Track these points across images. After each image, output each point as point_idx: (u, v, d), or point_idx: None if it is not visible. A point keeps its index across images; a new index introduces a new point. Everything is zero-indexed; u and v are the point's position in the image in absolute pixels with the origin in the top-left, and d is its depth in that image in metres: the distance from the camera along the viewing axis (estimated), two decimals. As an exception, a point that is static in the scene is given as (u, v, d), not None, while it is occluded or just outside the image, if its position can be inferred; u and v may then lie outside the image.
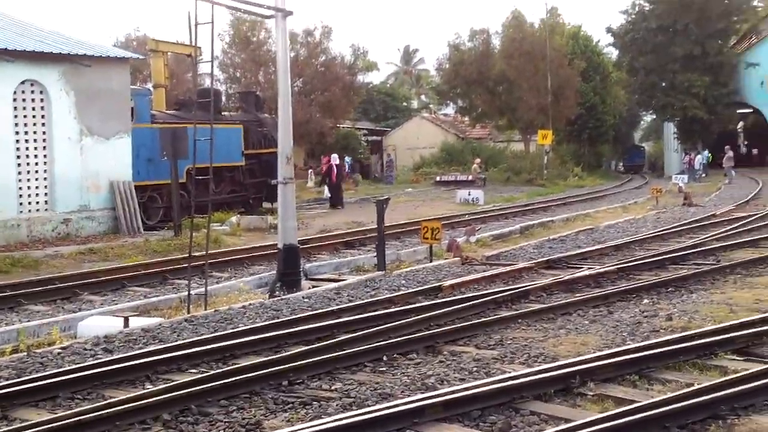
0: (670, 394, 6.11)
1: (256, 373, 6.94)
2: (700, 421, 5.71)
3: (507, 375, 6.83)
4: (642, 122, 70.30)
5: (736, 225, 18.13)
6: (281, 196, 12.68)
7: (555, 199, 32.02)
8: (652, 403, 5.86)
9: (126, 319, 9.74)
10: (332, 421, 5.65)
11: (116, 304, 11.78)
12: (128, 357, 7.72)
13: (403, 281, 12.36)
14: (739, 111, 57.55)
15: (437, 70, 55.44)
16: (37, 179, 19.72)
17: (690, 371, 7.05)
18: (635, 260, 13.29)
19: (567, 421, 5.74)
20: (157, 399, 6.26)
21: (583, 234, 18.34)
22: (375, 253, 14.21)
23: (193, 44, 18.32)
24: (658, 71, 51.84)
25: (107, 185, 20.73)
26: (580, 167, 50.84)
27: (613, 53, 59.23)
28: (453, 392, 6.26)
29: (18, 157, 19.34)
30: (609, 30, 55.70)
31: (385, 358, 7.69)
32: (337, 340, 8.25)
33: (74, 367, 7.44)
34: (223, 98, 36.72)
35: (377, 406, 6.09)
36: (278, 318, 9.69)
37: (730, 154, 42.82)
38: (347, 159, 31.79)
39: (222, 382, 6.70)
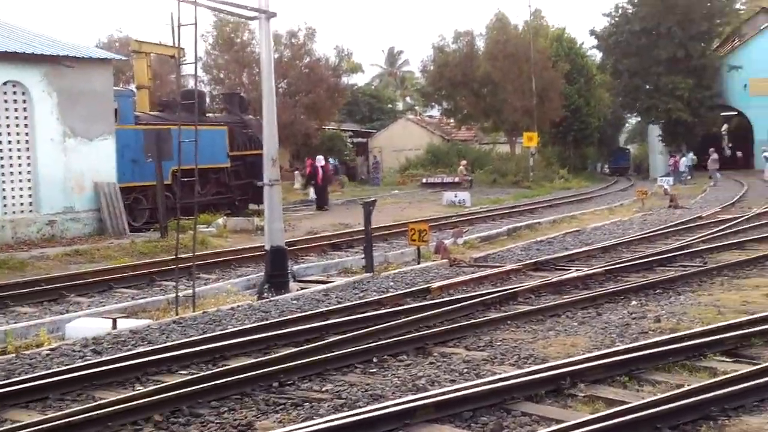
0: (660, 395, 6.13)
1: (246, 375, 6.92)
2: (691, 422, 5.72)
3: (498, 376, 6.84)
4: (627, 125, 70.67)
5: (722, 227, 18.21)
6: (267, 197, 12.65)
7: (541, 201, 32.11)
8: (643, 404, 5.87)
9: (114, 321, 9.70)
10: (324, 422, 5.65)
11: (104, 305, 11.72)
12: (117, 358, 7.70)
13: (392, 283, 12.36)
14: (723, 114, 57.94)
15: (422, 71, 55.53)
16: (20, 180, 19.60)
17: (679, 372, 7.07)
18: (623, 262, 13.33)
19: (558, 422, 5.74)
20: (148, 400, 6.25)
21: (570, 236, 18.39)
22: (363, 255, 14.20)
23: (177, 45, 18.27)
24: (642, 74, 52.10)
25: (92, 186, 20.62)
26: (566, 169, 51.04)
27: (597, 56, 59.52)
28: (444, 393, 6.26)
29: (0, 158, 19.21)
30: (593, 32, 55.94)
31: (375, 360, 7.69)
32: (326, 341, 8.24)
33: (64, 368, 7.41)
34: (207, 100, 36.63)
35: (368, 407, 6.09)
36: (267, 319, 9.67)
37: (715, 156, 43.06)
38: (330, 160, 31.74)
39: (213, 383, 6.68)
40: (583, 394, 6.45)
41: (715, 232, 17.33)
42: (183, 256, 11.89)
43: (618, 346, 7.87)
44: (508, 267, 13.19)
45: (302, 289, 12.28)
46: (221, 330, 9.09)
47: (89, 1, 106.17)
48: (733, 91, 54.63)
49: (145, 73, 27.04)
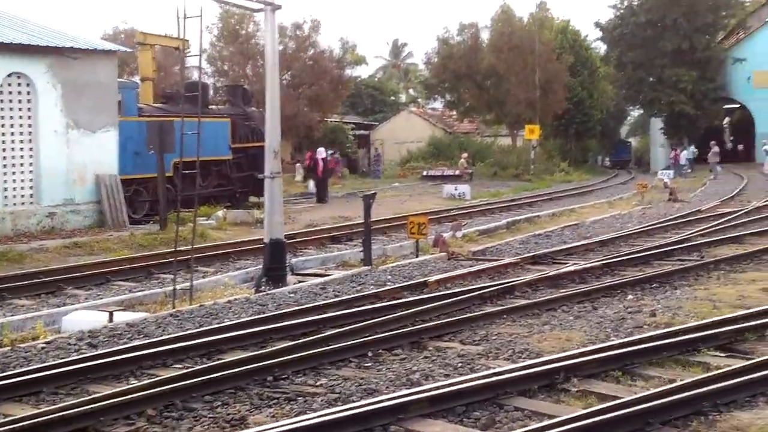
0: (652, 390, 6.14)
1: (241, 369, 6.94)
2: (683, 417, 5.74)
3: (491, 371, 6.85)
4: (629, 117, 70.56)
5: (720, 221, 18.21)
6: (268, 190, 12.66)
7: (541, 194, 32.10)
8: (634, 399, 5.89)
9: (111, 314, 9.71)
10: (317, 417, 5.66)
11: (101, 298, 11.74)
12: (113, 352, 7.72)
13: (389, 276, 12.38)
14: (725, 106, 57.84)
15: (426, 64, 55.42)
16: (22, 172, 19.61)
17: (673, 367, 7.09)
18: (620, 256, 13.33)
19: (550, 417, 5.77)
20: (142, 394, 6.26)
21: (569, 229, 18.39)
22: (361, 248, 14.21)
23: (181, 37, 18.27)
24: (646, 66, 52.01)
25: (93, 179, 20.63)
26: (567, 162, 50.99)
27: (601, 48, 59.40)
28: (437, 388, 6.28)
29: (3, 150, 19.23)
30: (597, 25, 55.84)
31: (370, 354, 7.71)
32: (322, 335, 8.26)
33: (58, 362, 7.42)
34: (211, 92, 36.61)
35: (362, 402, 6.10)
36: (264, 313, 9.69)
37: (716, 149, 42.96)
38: (332, 153, 31.75)
39: (207, 377, 6.69)
40: (576, 389, 6.46)
41: (714, 225, 17.33)
42: (182, 248, 11.92)
43: (613, 340, 7.89)
44: (506, 261, 13.21)
45: (300, 282, 12.30)
46: (218, 323, 9.11)
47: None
48: (736, 84, 54.52)
49: (150, 65, 27.02)
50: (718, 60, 52.81)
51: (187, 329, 8.86)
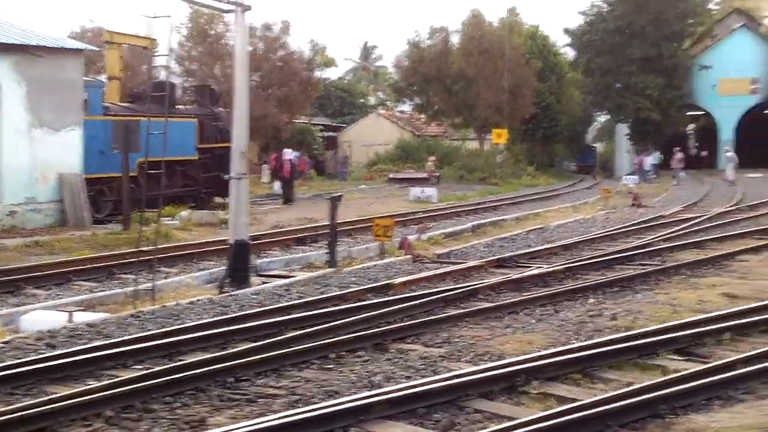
0: (611, 393, 6.20)
1: (201, 370, 6.89)
2: (640, 420, 5.80)
3: (453, 373, 6.88)
4: (595, 123, 71.13)
5: (682, 226, 18.41)
6: (234, 191, 12.61)
7: (507, 198, 32.25)
8: (593, 401, 5.94)
9: (70, 314, 9.61)
10: (277, 418, 5.64)
11: (61, 298, 11.59)
12: (72, 352, 7.61)
13: (354, 278, 12.38)
14: (690, 113, 58.57)
15: (395, 67, 55.45)
16: (-17, 170, 19.37)
17: (632, 370, 7.16)
18: (583, 260, 13.45)
19: (510, 419, 5.80)
20: (100, 395, 6.20)
21: (534, 233, 18.52)
22: (327, 250, 14.20)
23: (150, 37, 18.16)
24: (614, 72, 52.46)
25: (56, 177, 20.42)
26: (534, 166, 51.29)
27: (569, 54, 59.85)
28: (399, 390, 6.29)
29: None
30: (566, 31, 56.22)
31: (332, 356, 7.70)
32: (285, 337, 8.23)
33: (15, 362, 7.32)
34: (179, 91, 36.36)
35: (323, 404, 6.09)
36: (226, 314, 9.64)
37: (680, 155, 43.47)
38: (295, 154, 31.57)
39: (166, 378, 6.64)
40: (536, 392, 6.51)
41: (675, 231, 17.52)
42: (145, 249, 11.83)
43: (573, 343, 7.95)
44: (471, 264, 13.26)
45: (264, 283, 12.25)
46: (179, 324, 9.04)
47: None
48: (701, 91, 55.23)
49: (117, 64, 26.82)
50: (684, 67, 53.44)
51: (149, 330, 8.79)
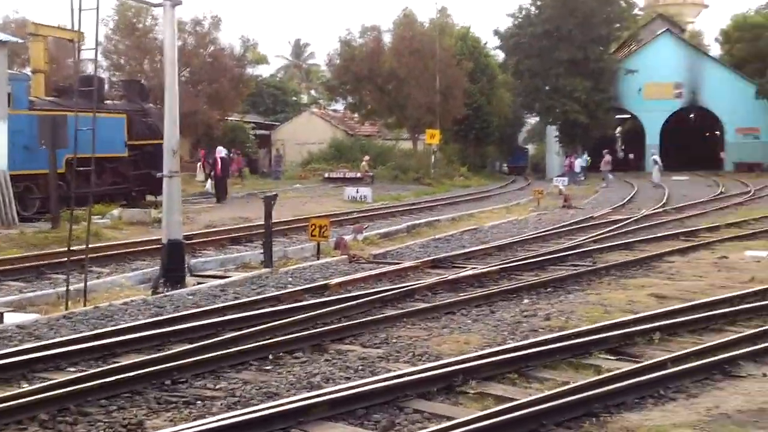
0: (546, 392, 6.32)
1: (137, 372, 6.80)
2: (575, 419, 5.92)
3: (392, 374, 6.92)
4: (526, 124, 72.18)
5: (612, 228, 18.83)
6: (166, 189, 12.44)
7: (441, 198, 32.51)
8: (529, 401, 6.05)
9: (0, 315, 9.36)
10: (216, 421, 5.61)
11: (-11, 299, 11.29)
12: (2, 355, 7.43)
13: (290, 279, 12.34)
14: (617, 116, 59.90)
15: (328, 65, 55.35)
16: None
17: (566, 370, 7.31)
18: (517, 261, 13.64)
19: (449, 418, 5.87)
20: (34, 398, 6.08)
21: (468, 234, 18.71)
22: (262, 250, 14.12)
23: (76, 29, 17.75)
24: (542, 75, 53.32)
25: (-21, 174, 19.83)
26: (466, 167, 51.78)
27: (500, 55, 60.57)
28: (338, 391, 6.31)
29: None
30: (496, 32, 56.91)
31: (270, 357, 7.67)
32: (222, 338, 8.16)
33: (-57, 365, 7.11)
34: (106, 86, 35.68)
35: (262, 405, 6.07)
36: (161, 315, 9.52)
37: (608, 158, 44.36)
38: (225, 152, 31.23)
39: (102, 381, 6.54)
40: (474, 391, 6.59)
41: (605, 232, 17.91)
42: (75, 248, 11.58)
43: (509, 343, 8.07)
44: (407, 264, 13.34)
45: (199, 284, 12.11)
46: (113, 326, 8.90)
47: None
48: (627, 95, 56.59)
49: (42, 57, 26.17)
50: (611, 71, 54.64)
51: (81, 331, 8.63)
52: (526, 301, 10.49)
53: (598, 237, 17.08)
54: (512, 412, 5.75)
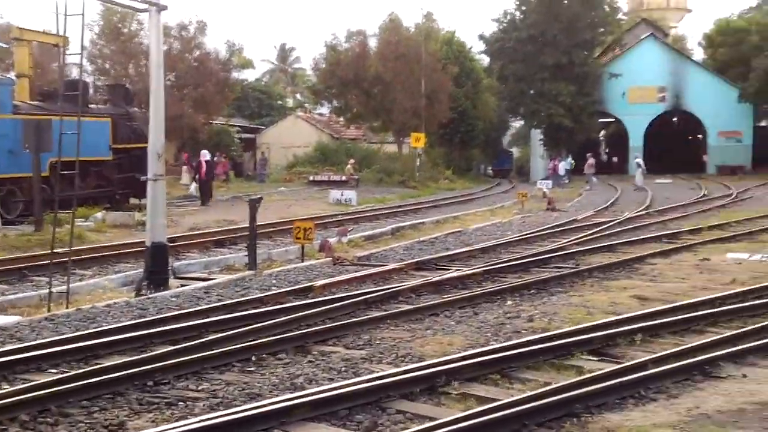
0: (528, 393, 6.34)
1: (119, 374, 6.80)
2: (557, 419, 5.95)
3: (375, 375, 6.94)
4: (511, 128, 72.43)
5: (595, 230, 18.90)
6: (151, 192, 12.41)
7: (426, 201, 32.55)
8: (511, 401, 6.07)
9: (-19, 317, 9.32)
10: (198, 422, 5.60)
11: (-29, 301, 11.23)
12: (-17, 357, 7.41)
13: (274, 281, 12.33)
14: (601, 120, 60.20)
15: (313, 69, 55.37)
16: None
17: (548, 371, 7.34)
18: (500, 263, 13.68)
19: (431, 419, 5.89)
20: (15, 399, 6.06)
21: (452, 236, 18.75)
22: (246, 252, 14.11)
23: (61, 34, 17.72)
24: (527, 79, 53.52)
25: (-37, 177, 19.73)
26: (451, 170, 51.89)
27: (485, 60, 60.77)
28: (321, 392, 6.32)
29: None
30: (481, 37, 57.09)
31: (253, 358, 7.67)
32: (205, 339, 8.16)
33: (-76, 367, 7.08)
34: (91, 90, 35.57)
35: (245, 406, 6.08)
36: (144, 317, 9.50)
37: (591, 161, 44.58)
38: (208, 155, 31.19)
39: (83, 382, 6.53)
40: (456, 392, 6.61)
41: (588, 234, 17.99)
42: (58, 250, 11.54)
43: (492, 344, 8.10)
44: (391, 266, 13.36)
45: (183, 286, 12.10)
46: (96, 327, 8.87)
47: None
48: (611, 99, 56.90)
49: (27, 61, 26.07)
50: (595, 75, 54.93)
51: (64, 333, 8.60)
52: (509, 302, 10.52)
53: (582, 239, 17.15)
54: (494, 413, 5.78)
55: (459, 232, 19.73)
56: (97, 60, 41.80)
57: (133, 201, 26.35)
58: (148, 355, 7.59)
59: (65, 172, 13.81)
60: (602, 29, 55.86)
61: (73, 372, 7.03)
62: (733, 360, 7.46)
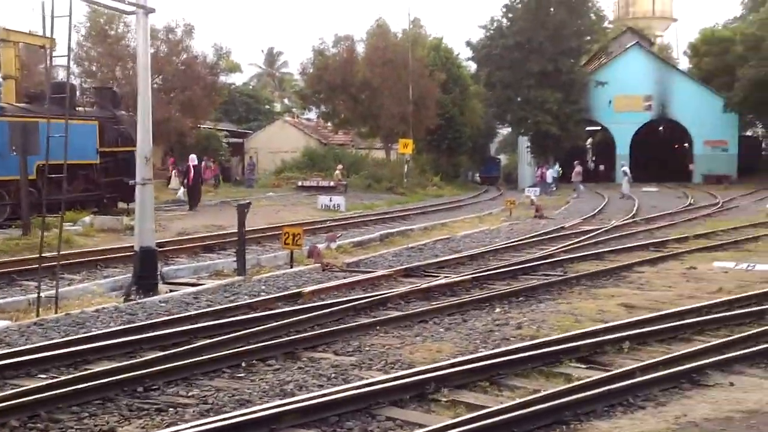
0: (518, 400, 6.38)
1: (109, 379, 6.81)
2: (546, 427, 5.99)
3: (364, 381, 6.96)
4: (498, 135, 72.62)
5: (582, 238, 18.96)
6: (139, 197, 12.41)
7: (414, 207, 32.59)
8: (500, 408, 6.11)
9: (-30, 322, 9.29)
10: (188, 428, 5.62)
11: (-42, 305, 11.18)
12: (-28, 362, 7.39)
13: (263, 287, 12.33)
14: (588, 128, 60.44)
15: (301, 74, 55.36)
16: None
17: (537, 378, 7.38)
18: (489, 270, 13.72)
19: (421, 426, 5.92)
20: (4, 405, 6.05)
21: (441, 243, 18.78)
22: (235, 258, 14.10)
23: (48, 35, 17.66)
24: (514, 86, 53.68)
25: (-51, 180, 19.63)
26: (439, 177, 51.96)
27: (472, 66, 60.93)
28: (311, 398, 6.34)
29: None
30: (469, 44, 57.25)
31: (243, 364, 7.68)
32: (194, 345, 8.17)
33: None
34: (78, 93, 35.45)
35: (235, 413, 6.09)
36: (134, 322, 9.50)
37: (579, 169, 44.67)
38: (196, 160, 31.14)
39: (73, 387, 6.54)
40: (445, 399, 6.64)
41: (576, 242, 18.05)
42: (47, 255, 11.51)
43: (481, 352, 8.13)
44: (380, 273, 13.38)
45: (171, 291, 12.09)
46: (85, 333, 8.87)
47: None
48: (598, 107, 57.14)
49: (13, 63, 25.96)
50: (581, 83, 55.15)
51: (53, 338, 8.59)
52: (497, 310, 10.56)
53: (569, 247, 17.21)
54: (483, 420, 5.81)
55: (447, 238, 19.76)
56: (83, 62, 41.66)
57: (121, 205, 26.26)
58: (138, 360, 7.59)
59: (53, 175, 13.78)
60: (588, 37, 56.12)
61: (63, 377, 7.02)
62: (720, 368, 7.52)
